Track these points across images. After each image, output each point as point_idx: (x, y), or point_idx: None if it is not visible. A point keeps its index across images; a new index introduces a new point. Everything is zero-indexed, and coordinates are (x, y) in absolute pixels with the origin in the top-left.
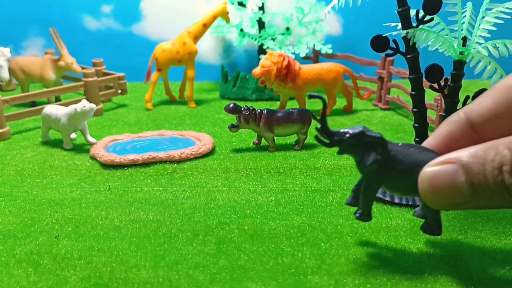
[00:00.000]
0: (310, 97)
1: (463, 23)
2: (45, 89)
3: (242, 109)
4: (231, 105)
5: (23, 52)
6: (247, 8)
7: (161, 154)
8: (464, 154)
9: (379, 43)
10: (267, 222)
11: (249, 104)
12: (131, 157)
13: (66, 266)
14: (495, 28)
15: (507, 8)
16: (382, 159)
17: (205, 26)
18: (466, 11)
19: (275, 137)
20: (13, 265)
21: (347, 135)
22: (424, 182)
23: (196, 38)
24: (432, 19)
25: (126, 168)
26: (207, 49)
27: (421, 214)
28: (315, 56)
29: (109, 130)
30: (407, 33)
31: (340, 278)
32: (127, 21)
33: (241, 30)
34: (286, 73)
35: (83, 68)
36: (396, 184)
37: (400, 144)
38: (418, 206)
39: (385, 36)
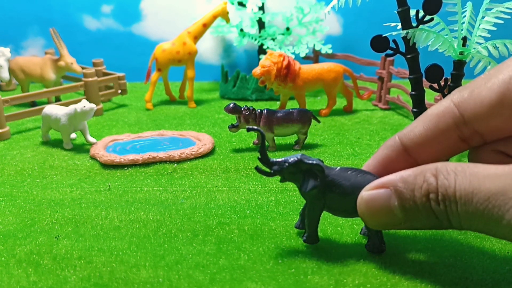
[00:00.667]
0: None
1: (463, 23)
2: (45, 89)
3: (242, 109)
4: (231, 105)
5: (23, 52)
6: (247, 8)
7: (161, 154)
8: (396, 179)
9: (379, 43)
10: (267, 222)
11: (249, 104)
12: (131, 157)
13: (66, 266)
14: (495, 28)
15: (507, 8)
16: (321, 185)
17: (205, 26)
18: (466, 11)
19: (275, 137)
20: (13, 265)
21: (286, 164)
22: (362, 205)
23: (196, 38)
24: (432, 19)
25: (126, 168)
26: (207, 49)
27: (366, 232)
28: (315, 56)
29: (109, 130)
30: (407, 33)
31: (340, 278)
32: (127, 21)
33: (241, 30)
34: (286, 73)
35: (83, 68)
36: (338, 207)
37: (338, 168)
38: None
39: (385, 36)
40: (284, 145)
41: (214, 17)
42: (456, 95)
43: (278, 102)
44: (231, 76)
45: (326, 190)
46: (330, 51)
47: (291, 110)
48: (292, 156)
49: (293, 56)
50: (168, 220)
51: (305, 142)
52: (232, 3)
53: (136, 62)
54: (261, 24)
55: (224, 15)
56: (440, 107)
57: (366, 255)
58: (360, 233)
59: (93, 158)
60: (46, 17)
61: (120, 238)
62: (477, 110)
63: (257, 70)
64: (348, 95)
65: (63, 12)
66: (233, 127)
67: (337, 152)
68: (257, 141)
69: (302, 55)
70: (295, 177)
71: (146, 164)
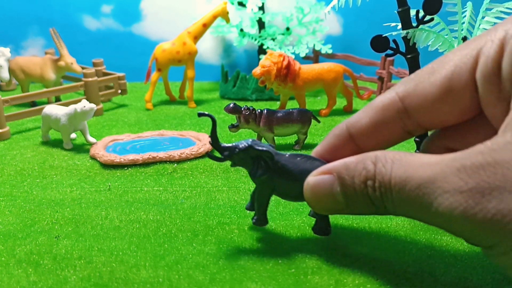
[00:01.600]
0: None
1: (463, 23)
2: (45, 89)
3: (242, 109)
4: (231, 105)
5: (23, 52)
6: (247, 8)
7: (161, 154)
8: (340, 165)
9: (379, 43)
10: None
11: (249, 104)
12: (131, 157)
13: (66, 266)
14: None
15: (507, 8)
16: (270, 171)
17: (205, 26)
18: (466, 11)
19: (275, 137)
20: (13, 265)
21: (237, 150)
22: (307, 190)
23: (196, 38)
24: (432, 19)
25: (126, 168)
26: (207, 49)
27: (313, 214)
28: (315, 56)
29: (109, 130)
30: (407, 33)
31: (340, 278)
32: (127, 21)
33: (241, 30)
34: (286, 73)
35: (83, 68)
36: (287, 191)
37: (287, 154)
38: None
39: (385, 36)
40: (284, 145)
41: (214, 17)
42: (401, 88)
43: (278, 102)
44: (231, 76)
45: (275, 176)
46: (330, 51)
47: (291, 110)
48: (243, 142)
49: (293, 56)
50: (168, 220)
51: (305, 142)
52: (232, 3)
53: (136, 62)
54: (261, 24)
55: (224, 15)
56: (385, 100)
57: (366, 255)
58: (309, 215)
59: (93, 158)
60: (46, 17)
61: (120, 238)
62: (420, 105)
63: (257, 70)
64: (348, 95)
65: (63, 12)
66: (233, 127)
67: None
68: None
69: (302, 55)
70: (245, 162)
71: (146, 164)
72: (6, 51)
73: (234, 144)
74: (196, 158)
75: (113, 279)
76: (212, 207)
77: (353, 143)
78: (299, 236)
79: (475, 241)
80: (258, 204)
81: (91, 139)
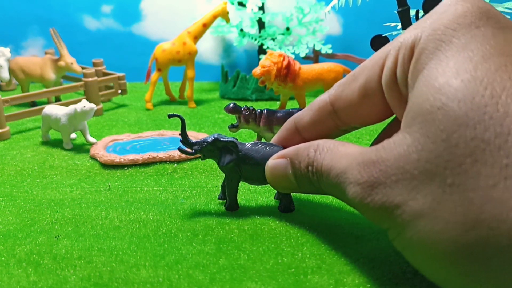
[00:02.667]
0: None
1: None
2: (45, 89)
3: (242, 109)
4: (231, 105)
5: (23, 52)
6: (247, 8)
7: (161, 154)
8: (292, 151)
9: (379, 42)
10: (267, 222)
11: (249, 104)
12: (131, 157)
13: (66, 266)
14: None
15: (506, 8)
16: (236, 158)
17: (205, 26)
18: None
19: None
20: (13, 265)
21: (205, 143)
22: (267, 172)
23: (196, 38)
24: None
25: (126, 168)
26: (207, 49)
27: (278, 196)
28: (315, 56)
29: (109, 130)
30: None
31: (340, 277)
32: (127, 21)
33: (241, 30)
34: (286, 73)
35: (83, 68)
36: (252, 176)
37: (249, 143)
38: None
39: (385, 36)
40: None
41: (214, 17)
42: (332, 92)
43: (278, 102)
44: (231, 76)
45: (241, 163)
46: (330, 51)
47: (291, 110)
48: (210, 136)
49: (293, 56)
50: (168, 220)
51: None
52: (232, 3)
53: (136, 62)
54: (261, 24)
55: (224, 15)
56: (320, 102)
57: (366, 255)
58: (274, 198)
59: (93, 158)
60: (46, 17)
61: (120, 238)
62: (345, 108)
63: (257, 70)
64: None
65: (63, 12)
66: (233, 127)
67: None
68: (257, 141)
69: (302, 55)
70: (214, 154)
71: (146, 164)
72: (6, 51)
73: (202, 139)
74: (196, 158)
75: (113, 279)
76: (212, 207)
77: (298, 135)
78: (299, 236)
79: (376, 225)
80: (229, 191)
81: (91, 139)
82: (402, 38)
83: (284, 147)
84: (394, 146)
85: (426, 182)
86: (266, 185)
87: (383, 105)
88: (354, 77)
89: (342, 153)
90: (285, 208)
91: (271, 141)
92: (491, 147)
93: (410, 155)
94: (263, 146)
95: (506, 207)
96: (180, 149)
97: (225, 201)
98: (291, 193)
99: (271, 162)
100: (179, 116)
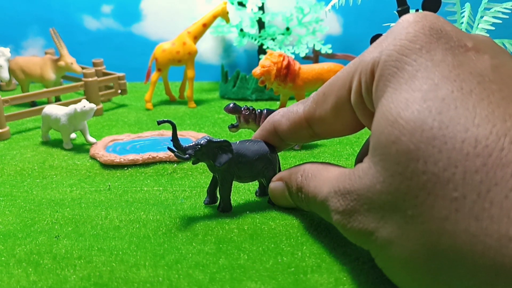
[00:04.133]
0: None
1: (462, 23)
2: (45, 89)
3: (242, 109)
4: (231, 105)
5: (23, 52)
6: (247, 8)
7: (161, 154)
8: (286, 175)
9: None
10: (267, 221)
11: (249, 104)
12: (131, 157)
13: (66, 265)
14: (493, 28)
15: (505, 8)
16: (231, 157)
17: (205, 26)
18: (465, 11)
19: None
20: (13, 265)
21: (199, 146)
22: (269, 192)
23: (196, 38)
24: None
25: (126, 168)
26: (207, 49)
27: (260, 193)
28: (315, 56)
29: (109, 130)
30: None
31: (339, 276)
32: (127, 21)
33: (241, 30)
34: (286, 73)
35: (83, 68)
36: (245, 173)
37: (237, 142)
38: None
39: None
40: None
41: (214, 17)
42: (307, 108)
43: (278, 102)
44: (231, 76)
45: (233, 162)
46: (330, 51)
47: None
48: (201, 139)
49: (293, 56)
50: (168, 220)
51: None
52: (232, 3)
53: (136, 62)
54: (261, 24)
55: (224, 15)
56: (295, 117)
57: (366, 254)
58: (256, 195)
59: (93, 158)
60: (46, 17)
61: (120, 238)
62: (319, 124)
63: (257, 70)
64: None
65: (63, 12)
66: (233, 127)
67: (337, 152)
68: None
69: (302, 55)
70: (207, 156)
71: (146, 164)
72: (6, 51)
73: (194, 143)
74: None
75: (113, 279)
76: (211, 207)
77: (277, 136)
78: (298, 236)
79: (360, 247)
80: (223, 192)
81: (91, 139)
82: (363, 61)
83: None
84: (363, 175)
85: (390, 212)
86: (260, 179)
87: (356, 120)
88: (324, 96)
89: (324, 179)
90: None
91: (253, 137)
92: (440, 180)
93: (375, 186)
94: (251, 143)
95: (459, 240)
96: (176, 155)
97: (211, 206)
98: None
99: (272, 184)
100: (169, 122)
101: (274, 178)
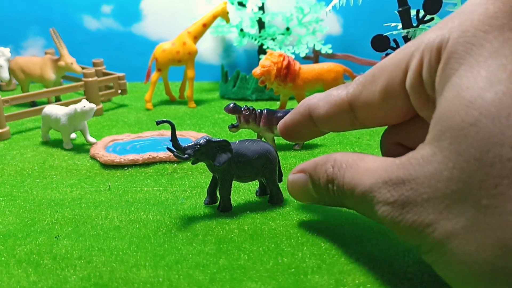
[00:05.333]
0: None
1: None
2: (45, 89)
3: (242, 109)
4: (231, 105)
5: (23, 52)
6: (247, 8)
7: (161, 154)
8: (310, 167)
9: (380, 42)
10: (267, 222)
11: (249, 104)
12: (131, 157)
13: (66, 266)
14: None
15: None
16: (231, 157)
17: (205, 26)
18: None
19: (275, 137)
20: (13, 265)
21: (198, 146)
22: (288, 186)
23: (196, 38)
24: (432, 19)
25: (126, 168)
26: (207, 49)
27: (260, 193)
28: (315, 56)
29: (109, 130)
30: (408, 32)
31: (340, 277)
32: (127, 21)
33: (241, 30)
34: (286, 73)
35: (83, 68)
36: (245, 173)
37: (237, 142)
38: None
39: (386, 36)
40: (284, 145)
41: (214, 17)
42: (351, 90)
43: (278, 102)
44: (231, 76)
45: (233, 162)
46: (330, 51)
47: (291, 110)
48: (200, 139)
49: (293, 56)
50: (168, 220)
51: (305, 142)
52: (232, 3)
53: (136, 62)
54: (261, 24)
55: (224, 15)
56: (337, 99)
57: (366, 255)
58: (256, 195)
59: (93, 158)
60: (46, 17)
61: (120, 238)
62: (364, 108)
63: (257, 70)
64: None
65: (63, 12)
66: (233, 127)
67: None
68: None
69: (302, 55)
70: (207, 156)
71: (146, 164)
72: (6, 51)
73: (194, 142)
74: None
75: (113, 279)
76: (212, 207)
77: (312, 121)
78: (299, 236)
79: (406, 242)
80: (223, 191)
81: (91, 139)
82: (427, 39)
83: (289, 134)
84: (424, 163)
85: (459, 201)
86: (259, 178)
87: (406, 107)
88: (373, 77)
89: (363, 169)
90: (277, 200)
91: (280, 122)
92: None
93: (441, 173)
94: (250, 143)
95: None
96: (175, 155)
97: (211, 206)
98: (279, 184)
99: (291, 177)
100: (168, 122)
101: (294, 170)
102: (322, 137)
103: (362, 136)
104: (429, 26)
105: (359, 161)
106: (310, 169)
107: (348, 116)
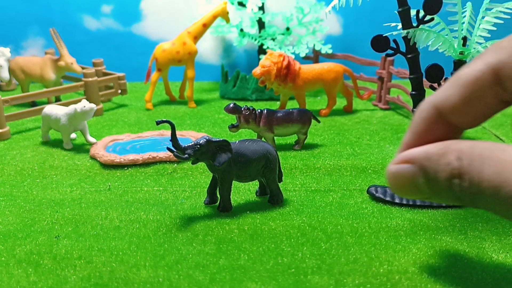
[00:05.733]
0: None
1: (463, 23)
2: (45, 89)
3: (242, 109)
4: (231, 105)
5: (23, 52)
6: (247, 8)
7: (161, 154)
8: (421, 156)
9: (380, 43)
10: (267, 222)
11: (249, 104)
12: (131, 157)
13: (66, 266)
14: (495, 28)
15: (507, 8)
16: (231, 157)
17: (205, 26)
18: (466, 11)
19: (275, 137)
20: (13, 265)
21: (198, 146)
22: (390, 178)
23: (196, 38)
24: (432, 19)
25: (126, 168)
26: (207, 49)
27: (259, 192)
28: (315, 56)
29: (109, 130)
30: (408, 33)
31: (340, 278)
32: (127, 21)
33: (241, 30)
34: (286, 73)
35: (83, 68)
36: (245, 173)
37: (237, 142)
38: (417, 205)
39: (386, 36)
40: (284, 145)
41: (214, 17)
42: (491, 57)
43: (278, 102)
44: (231, 76)
45: (233, 161)
46: (330, 51)
47: (291, 110)
48: (200, 139)
49: (293, 56)
50: (168, 220)
51: (305, 142)
52: (232, 3)
53: (136, 62)
54: (261, 24)
55: (224, 15)
56: (474, 73)
57: (366, 255)
58: (256, 195)
59: (93, 158)
60: (46, 17)
61: (120, 238)
62: None
63: (257, 70)
64: (348, 95)
65: (63, 12)
66: (233, 127)
67: (337, 152)
68: None
69: (302, 55)
70: (207, 156)
71: (146, 164)
72: (6, 51)
73: (193, 142)
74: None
75: (113, 279)
76: (211, 207)
77: (443, 123)
78: (299, 236)
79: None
80: (223, 191)
81: (91, 139)
82: None
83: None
84: None
85: None
86: (259, 178)
87: None
88: None
89: (508, 163)
90: (277, 200)
91: (403, 143)
92: None
93: None
94: (250, 143)
95: None
96: (175, 155)
97: (211, 206)
98: (279, 184)
99: (393, 167)
100: (168, 122)
101: (396, 160)
102: (321, 137)
103: (362, 136)
104: (429, 26)
105: (500, 153)
106: (423, 159)
107: (494, 92)
